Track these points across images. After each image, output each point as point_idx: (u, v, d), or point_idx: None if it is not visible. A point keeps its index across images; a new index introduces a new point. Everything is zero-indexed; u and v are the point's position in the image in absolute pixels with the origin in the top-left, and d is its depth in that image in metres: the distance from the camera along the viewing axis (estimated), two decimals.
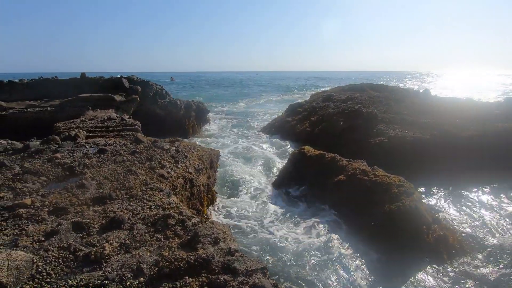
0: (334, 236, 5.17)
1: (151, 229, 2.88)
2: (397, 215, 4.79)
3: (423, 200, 5.61)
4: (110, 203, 3.37)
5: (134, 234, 2.78)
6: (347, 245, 5.02)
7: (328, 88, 26.72)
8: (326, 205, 6.05)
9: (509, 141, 8.60)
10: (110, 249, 2.49)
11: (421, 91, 16.39)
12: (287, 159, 7.99)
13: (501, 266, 4.64)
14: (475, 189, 7.36)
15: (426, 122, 9.59)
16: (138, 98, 11.21)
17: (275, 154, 10.79)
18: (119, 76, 12.51)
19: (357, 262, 4.66)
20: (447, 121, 9.68)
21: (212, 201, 6.75)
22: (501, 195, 7.06)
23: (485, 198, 7.00)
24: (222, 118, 20.27)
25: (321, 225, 5.51)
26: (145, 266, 2.32)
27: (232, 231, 4.23)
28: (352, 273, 4.45)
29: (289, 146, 10.92)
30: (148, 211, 3.22)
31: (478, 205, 6.68)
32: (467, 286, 4.26)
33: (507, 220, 5.95)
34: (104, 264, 2.33)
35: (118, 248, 2.56)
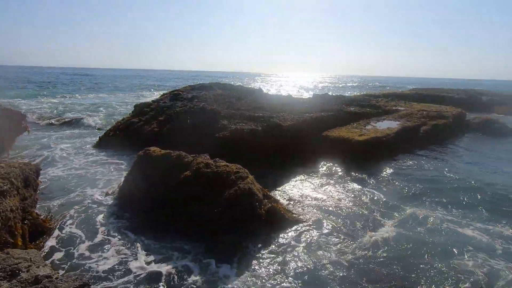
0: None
1: None
2: (235, 197, 5.48)
3: (258, 181, 6.60)
4: None
5: None
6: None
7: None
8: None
9: (314, 127, 11.46)
10: None
11: (256, 89, 19.18)
12: (132, 165, 7.45)
13: (323, 230, 6.12)
14: (300, 168, 9.38)
15: (260, 116, 11.30)
16: None
17: (118, 160, 9.86)
18: None
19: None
20: (275, 114, 11.80)
21: (35, 228, 5.43)
22: (316, 173, 9.33)
23: (306, 175, 9.06)
24: (50, 125, 16.48)
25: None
26: None
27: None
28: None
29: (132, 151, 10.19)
30: None
31: (300, 181, 8.57)
32: (291, 244, 5.44)
33: (324, 194, 7.84)
34: None
35: None
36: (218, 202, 5.56)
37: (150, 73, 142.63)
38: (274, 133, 9.95)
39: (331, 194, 7.76)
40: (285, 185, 8.24)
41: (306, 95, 33.67)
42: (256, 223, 5.53)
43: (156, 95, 29.28)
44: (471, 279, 4.65)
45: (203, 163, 6.29)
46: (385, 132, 11.46)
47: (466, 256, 5.22)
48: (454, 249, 5.41)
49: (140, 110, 13.17)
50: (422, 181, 8.77)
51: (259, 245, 5.31)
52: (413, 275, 4.74)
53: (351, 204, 7.21)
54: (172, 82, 62.75)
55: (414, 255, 5.27)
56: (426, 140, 13.35)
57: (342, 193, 7.85)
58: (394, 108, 17.46)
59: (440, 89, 37.30)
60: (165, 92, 22.49)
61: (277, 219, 5.86)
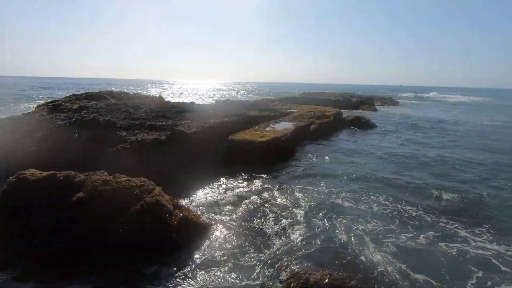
0: None
1: None
2: (142, 212, 5.11)
3: (166, 192, 6.32)
4: None
5: None
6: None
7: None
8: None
9: (219, 132, 11.73)
10: None
11: (157, 96, 18.21)
12: None
13: (233, 233, 6.28)
14: (208, 173, 9.40)
15: (162, 124, 10.80)
16: None
17: None
18: None
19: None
20: (179, 122, 11.50)
21: None
22: (224, 176, 9.53)
23: (214, 178, 9.15)
24: None
25: None
26: None
27: None
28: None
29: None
30: None
31: (209, 187, 8.61)
32: (206, 251, 5.44)
33: (235, 197, 8.04)
34: None
35: None
36: (121, 222, 5.07)
37: None
38: (179, 141, 9.70)
39: (240, 194, 8.13)
40: (195, 191, 8.16)
41: (208, 101, 34.03)
42: (168, 238, 5.30)
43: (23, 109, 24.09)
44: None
45: (100, 181, 5.61)
46: (283, 132, 12.75)
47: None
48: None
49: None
50: (315, 173, 10.21)
51: (174, 268, 5.04)
52: (312, 264, 5.49)
53: (257, 201, 7.74)
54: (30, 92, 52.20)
55: (317, 241, 6.11)
56: (316, 136, 15.57)
57: (249, 192, 8.34)
58: (288, 110, 19.59)
59: (322, 93, 44.04)
60: (40, 103, 18.71)
61: (189, 227, 5.77)
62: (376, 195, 8.28)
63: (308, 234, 6.18)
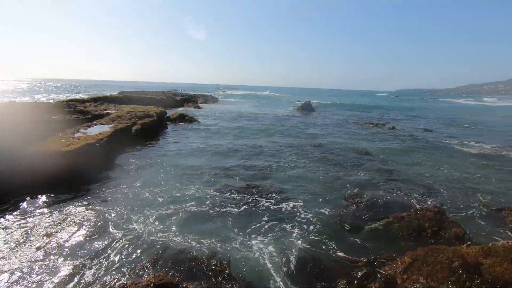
0: None
1: None
2: None
3: None
4: None
5: None
6: None
7: None
8: None
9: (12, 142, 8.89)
10: None
11: None
12: None
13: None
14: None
15: None
16: None
17: None
18: None
19: None
20: None
21: None
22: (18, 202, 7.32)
23: None
24: None
25: None
26: None
27: None
28: None
29: None
30: None
31: None
32: None
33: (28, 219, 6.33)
34: None
35: None
36: None
37: None
38: None
39: (39, 222, 6.66)
40: None
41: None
42: None
43: None
44: None
45: None
46: (98, 137, 11.37)
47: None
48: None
49: None
50: (144, 181, 9.88)
51: None
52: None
53: (71, 224, 6.66)
54: None
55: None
56: (140, 137, 14.93)
57: (57, 219, 7.01)
58: (105, 112, 17.55)
59: (145, 91, 42.23)
60: None
61: None
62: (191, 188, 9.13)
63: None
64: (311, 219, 7.13)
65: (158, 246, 5.76)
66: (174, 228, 6.51)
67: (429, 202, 8.42)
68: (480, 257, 4.08)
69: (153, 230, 6.34)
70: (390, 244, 6.11)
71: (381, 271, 4.65)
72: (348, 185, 9.59)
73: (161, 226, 6.53)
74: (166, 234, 6.25)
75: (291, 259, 5.47)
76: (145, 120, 16.88)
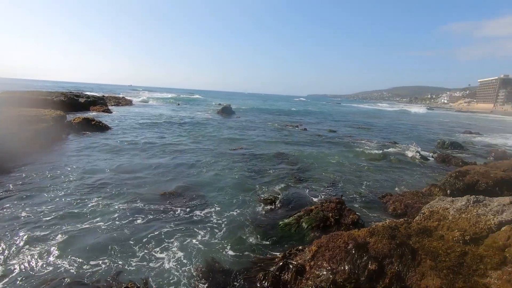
0: None
1: None
2: None
3: None
4: None
5: None
6: None
7: None
8: None
9: None
10: None
11: None
12: None
13: None
14: None
15: None
16: None
17: None
18: None
19: None
20: None
21: None
22: None
23: None
24: None
25: None
26: None
27: None
28: None
29: None
30: None
31: None
32: None
33: None
34: None
35: None
36: None
37: None
38: None
39: None
40: None
41: None
42: None
43: None
44: None
45: None
46: None
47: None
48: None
49: None
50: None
51: None
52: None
53: None
54: None
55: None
56: (29, 147, 12.51)
57: None
58: None
59: (39, 92, 35.70)
60: None
61: None
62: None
63: None
64: (224, 223, 7.25)
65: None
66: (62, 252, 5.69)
67: (333, 194, 9.64)
68: (368, 237, 4.89)
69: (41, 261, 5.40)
70: (302, 236, 6.75)
71: (293, 262, 5.08)
72: (263, 187, 10.13)
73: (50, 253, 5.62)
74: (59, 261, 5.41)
75: (202, 265, 5.46)
76: (39, 126, 14.27)
